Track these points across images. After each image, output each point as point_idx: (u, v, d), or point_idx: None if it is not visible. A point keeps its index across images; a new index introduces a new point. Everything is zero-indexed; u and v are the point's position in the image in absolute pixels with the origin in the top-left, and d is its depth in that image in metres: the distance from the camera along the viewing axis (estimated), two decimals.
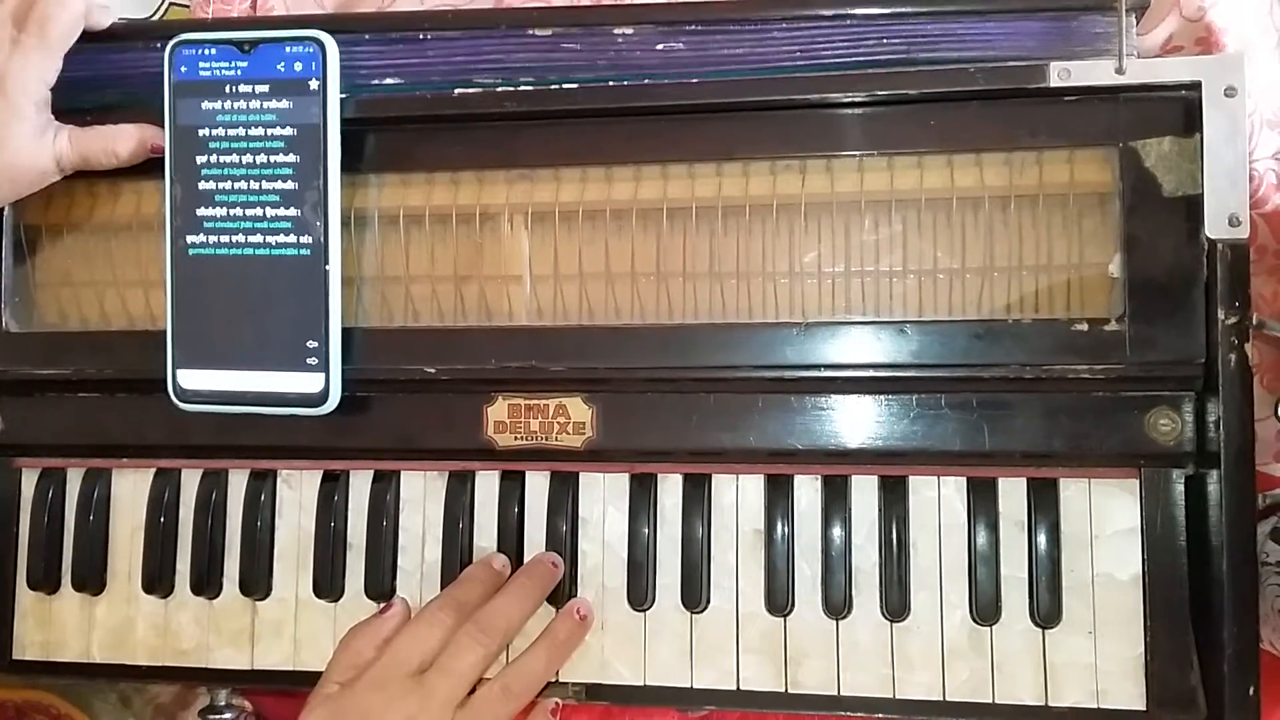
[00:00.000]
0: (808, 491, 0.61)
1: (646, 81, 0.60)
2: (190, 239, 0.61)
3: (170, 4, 0.79)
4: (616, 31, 0.60)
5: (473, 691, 0.57)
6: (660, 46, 0.60)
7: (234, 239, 0.60)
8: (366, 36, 0.62)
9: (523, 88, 0.61)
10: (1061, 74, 0.56)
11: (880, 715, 0.59)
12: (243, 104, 0.60)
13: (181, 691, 0.75)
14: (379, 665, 0.57)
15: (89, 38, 0.62)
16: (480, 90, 0.61)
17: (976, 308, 0.59)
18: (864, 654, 0.60)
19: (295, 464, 0.66)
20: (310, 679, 0.64)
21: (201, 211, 0.61)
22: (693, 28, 0.60)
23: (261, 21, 0.71)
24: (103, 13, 0.63)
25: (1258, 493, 0.57)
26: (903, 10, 0.58)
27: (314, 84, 0.59)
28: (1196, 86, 0.55)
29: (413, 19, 0.65)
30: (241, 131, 0.60)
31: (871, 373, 0.59)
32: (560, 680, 0.62)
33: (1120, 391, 0.57)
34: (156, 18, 0.78)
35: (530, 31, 0.61)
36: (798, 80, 0.59)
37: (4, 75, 0.59)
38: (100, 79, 0.64)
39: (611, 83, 0.61)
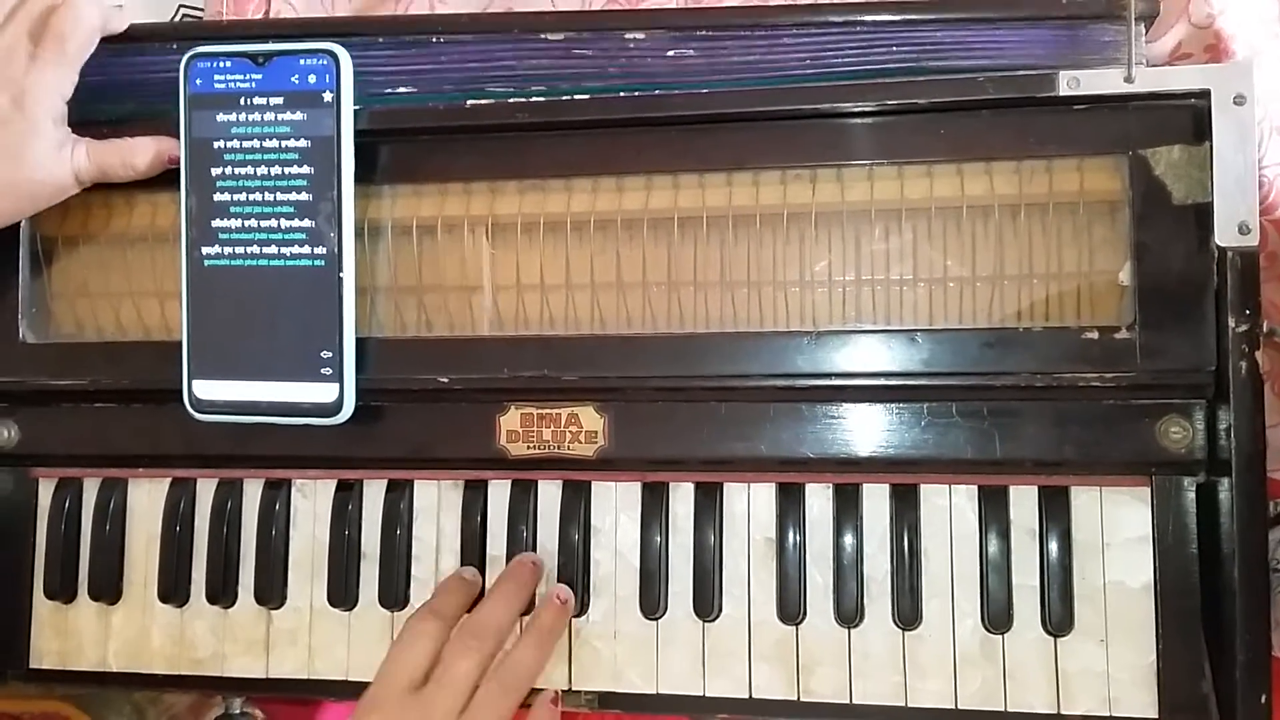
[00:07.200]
0: (819, 500, 0.61)
1: (658, 92, 0.61)
2: (205, 250, 0.61)
3: (183, 11, 0.79)
4: (628, 36, 0.61)
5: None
6: (671, 53, 0.60)
7: (249, 250, 0.61)
8: (380, 40, 0.63)
9: (535, 99, 0.61)
10: (1071, 83, 0.56)
11: None
12: (257, 116, 0.60)
13: (196, 701, 0.75)
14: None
15: (104, 41, 0.62)
16: (493, 101, 0.62)
17: (987, 316, 0.59)
18: (876, 662, 0.60)
19: (309, 473, 0.66)
20: (325, 688, 0.65)
21: (217, 223, 0.61)
22: (703, 34, 0.60)
23: (275, 24, 0.71)
24: (118, 17, 0.63)
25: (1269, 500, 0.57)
26: (913, 18, 0.58)
27: (328, 96, 0.59)
28: (1205, 94, 0.56)
29: (425, 23, 0.65)
30: (256, 144, 0.60)
31: (883, 381, 0.59)
32: (572, 689, 0.62)
33: (1131, 399, 0.57)
34: None
35: (543, 36, 0.61)
36: (808, 90, 0.59)
37: (22, 91, 0.59)
38: (114, 84, 0.64)
39: (623, 92, 0.61)
